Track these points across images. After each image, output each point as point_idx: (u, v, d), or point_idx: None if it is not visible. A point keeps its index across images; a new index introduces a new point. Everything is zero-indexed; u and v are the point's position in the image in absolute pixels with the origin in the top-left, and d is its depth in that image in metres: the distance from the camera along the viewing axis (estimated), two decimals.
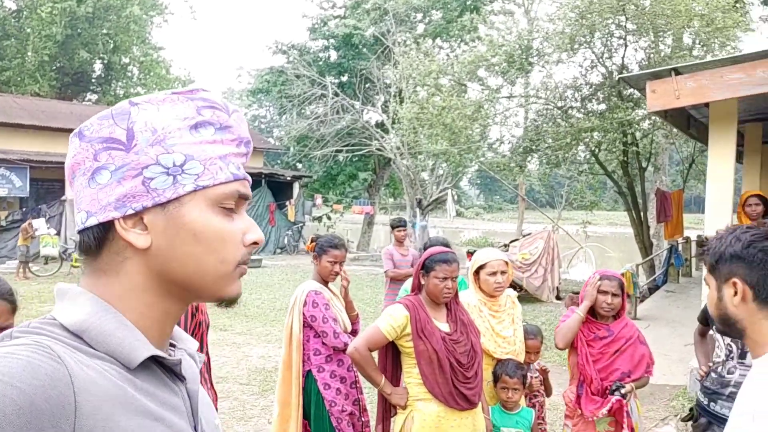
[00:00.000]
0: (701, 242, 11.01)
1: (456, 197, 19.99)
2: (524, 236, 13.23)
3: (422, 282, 2.92)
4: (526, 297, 11.57)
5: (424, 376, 2.78)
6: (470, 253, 13.08)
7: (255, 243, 0.81)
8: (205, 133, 0.77)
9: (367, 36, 20.97)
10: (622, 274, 8.86)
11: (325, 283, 3.41)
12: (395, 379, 2.98)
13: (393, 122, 17.24)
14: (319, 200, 22.04)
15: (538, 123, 12.69)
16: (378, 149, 19.36)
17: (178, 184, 0.75)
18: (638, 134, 11.63)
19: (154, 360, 0.75)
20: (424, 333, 2.80)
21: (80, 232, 0.78)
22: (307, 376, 3.30)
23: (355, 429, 3.35)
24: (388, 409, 3.04)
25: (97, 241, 0.76)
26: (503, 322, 3.36)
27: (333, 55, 23.12)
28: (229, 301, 0.82)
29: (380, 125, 20.77)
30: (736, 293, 1.46)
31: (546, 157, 12.46)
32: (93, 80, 30.53)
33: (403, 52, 15.66)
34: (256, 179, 20.78)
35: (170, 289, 0.78)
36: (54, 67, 26.74)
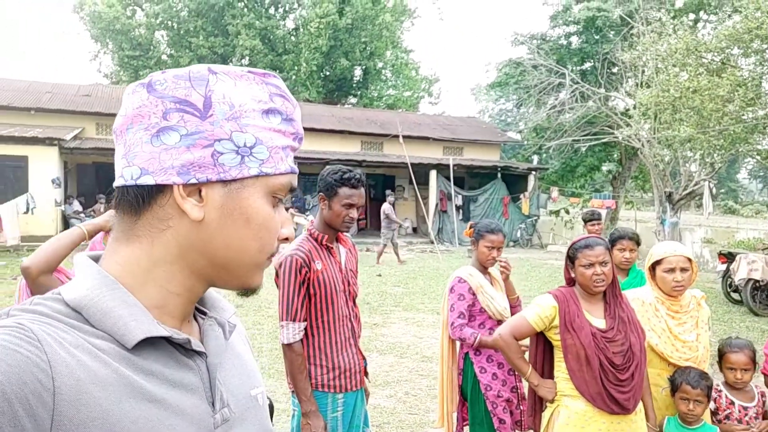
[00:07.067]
0: None
1: (713, 191, 17.37)
2: None
3: (571, 275, 2.79)
4: None
5: (571, 372, 2.66)
6: (722, 255, 11.33)
7: (286, 239, 0.80)
8: (274, 121, 0.76)
9: (612, 18, 19.50)
10: None
11: (484, 268, 3.42)
12: (547, 372, 2.89)
13: (636, 108, 15.76)
14: (555, 193, 21.22)
15: None
16: (624, 138, 17.87)
17: (244, 165, 0.73)
18: None
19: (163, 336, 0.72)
20: (573, 326, 2.67)
21: (124, 187, 0.74)
22: (465, 358, 3.37)
23: (513, 417, 3.31)
24: (539, 401, 2.96)
25: (144, 202, 0.73)
26: (684, 324, 2.99)
27: (574, 41, 22.05)
28: (248, 291, 0.81)
29: (625, 112, 19.14)
30: None
31: None
32: (353, 85, 34.11)
33: (649, 31, 14.22)
34: (492, 172, 20.96)
35: (201, 267, 0.76)
36: (321, 76, 30.63)
